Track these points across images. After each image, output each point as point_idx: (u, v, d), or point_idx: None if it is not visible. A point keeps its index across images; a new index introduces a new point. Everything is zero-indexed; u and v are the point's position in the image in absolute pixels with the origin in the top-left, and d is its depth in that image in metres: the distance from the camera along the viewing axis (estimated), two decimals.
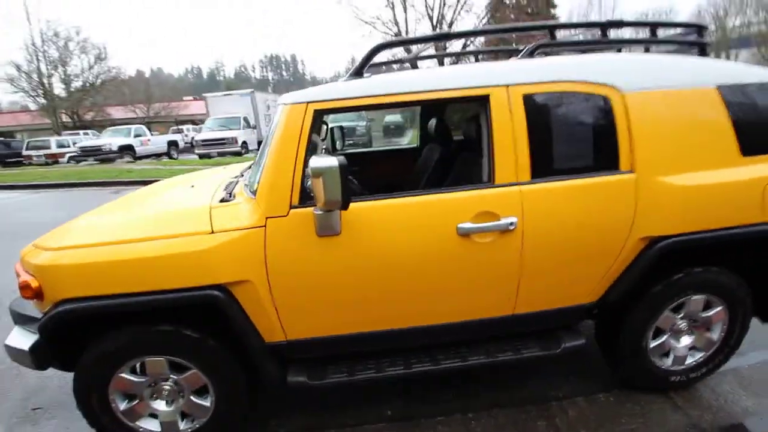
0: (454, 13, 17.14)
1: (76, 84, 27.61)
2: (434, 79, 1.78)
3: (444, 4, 17.01)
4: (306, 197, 1.69)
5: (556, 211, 1.79)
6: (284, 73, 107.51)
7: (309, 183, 1.67)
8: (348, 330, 1.83)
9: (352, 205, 1.60)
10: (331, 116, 2.82)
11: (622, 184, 1.83)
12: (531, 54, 1.91)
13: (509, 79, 1.78)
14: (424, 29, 15.34)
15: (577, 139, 1.84)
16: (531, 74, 1.80)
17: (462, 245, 1.74)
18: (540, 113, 1.80)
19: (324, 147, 3.38)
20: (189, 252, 1.61)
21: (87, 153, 16.68)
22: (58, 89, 27.05)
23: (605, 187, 1.82)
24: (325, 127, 3.26)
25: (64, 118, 28.08)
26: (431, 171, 2.84)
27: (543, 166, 1.80)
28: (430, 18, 17.31)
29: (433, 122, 2.87)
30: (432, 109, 3.15)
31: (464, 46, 12.05)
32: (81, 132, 23.17)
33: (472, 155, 2.26)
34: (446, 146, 2.86)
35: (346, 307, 1.78)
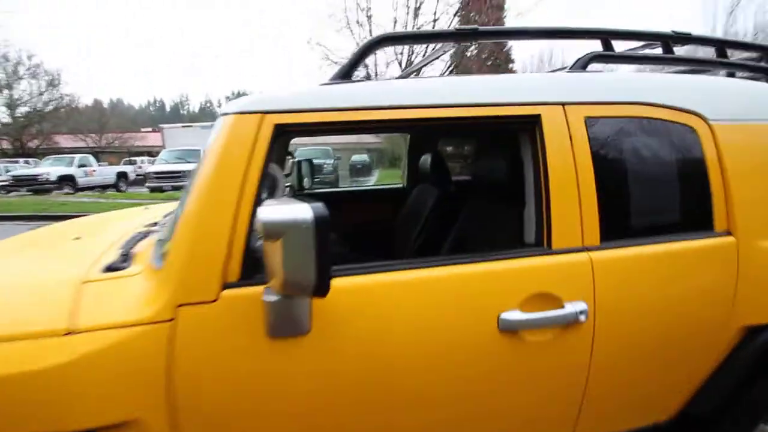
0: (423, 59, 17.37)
1: (23, 109, 25.68)
2: (461, 90, 1.18)
3: (412, 52, 17.26)
4: (253, 268, 1.00)
5: (638, 292, 1.20)
6: None
7: (260, 243, 0.99)
8: None
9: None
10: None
11: (719, 251, 1.28)
12: (584, 67, 1.38)
13: (567, 94, 1.22)
14: (394, 71, 15.28)
15: (657, 184, 1.29)
16: (595, 91, 1.26)
17: (506, 346, 1.09)
18: (608, 144, 1.24)
19: (288, 185, 2.72)
20: (21, 372, 0.85)
21: (20, 182, 14.94)
22: (0, 113, 25.08)
23: (698, 255, 1.26)
24: (290, 159, 2.61)
25: (5, 145, 25.82)
26: (426, 220, 2.22)
27: (616, 224, 1.22)
28: (399, 63, 17.48)
29: (427, 157, 2.28)
30: (428, 137, 2.59)
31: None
32: (21, 160, 21.14)
33: (492, 203, 1.67)
34: (444, 188, 2.27)
35: None
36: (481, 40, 1.41)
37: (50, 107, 26.55)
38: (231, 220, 0.98)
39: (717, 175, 1.31)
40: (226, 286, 0.97)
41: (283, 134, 1.06)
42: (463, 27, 1.27)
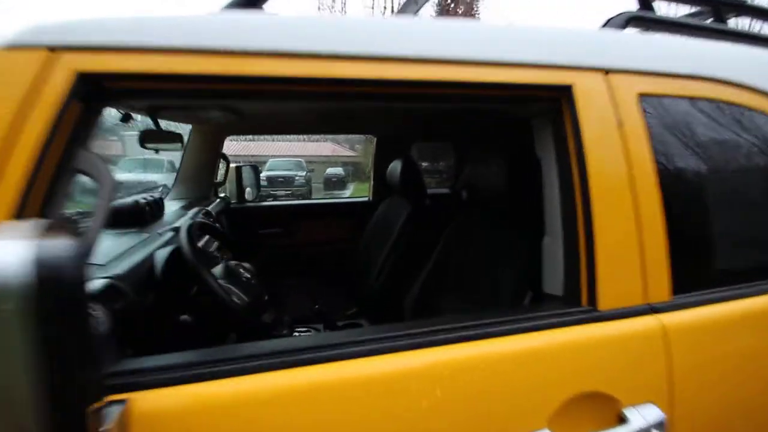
0: None
1: None
2: (439, 36, 0.69)
3: None
4: None
5: (735, 376, 0.73)
6: None
7: None
8: None
9: (201, 390, 0.41)
10: (233, 152, 1.63)
11: None
12: (623, 27, 0.93)
13: (611, 57, 0.76)
14: None
15: (740, 202, 0.85)
16: (651, 56, 0.80)
17: None
18: (675, 138, 0.79)
19: (223, 195, 2.15)
20: None
21: None
22: None
23: None
24: (226, 164, 2.07)
25: None
26: (396, 241, 1.73)
27: (694, 266, 0.76)
28: None
29: (397, 164, 1.80)
30: (398, 139, 2.12)
31: None
32: None
33: (489, 225, 1.20)
34: (417, 201, 1.80)
35: None
36: None
37: None
38: None
39: None
40: None
41: (98, 94, 0.54)
42: None
